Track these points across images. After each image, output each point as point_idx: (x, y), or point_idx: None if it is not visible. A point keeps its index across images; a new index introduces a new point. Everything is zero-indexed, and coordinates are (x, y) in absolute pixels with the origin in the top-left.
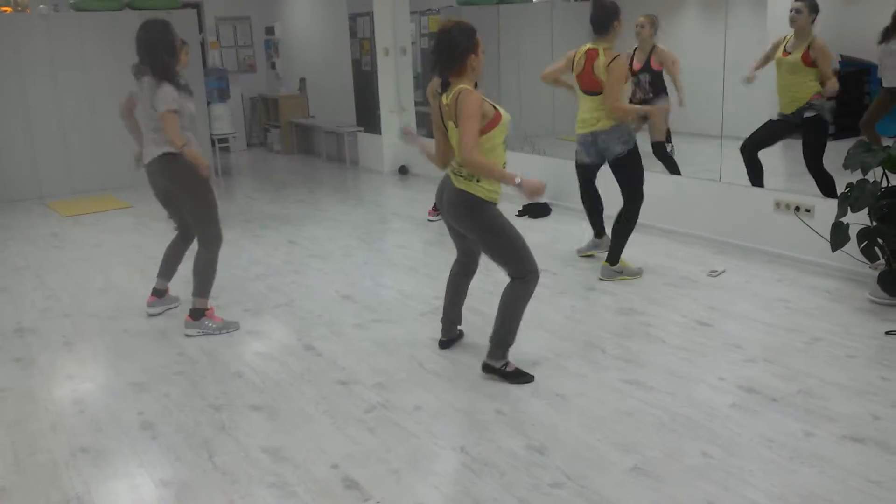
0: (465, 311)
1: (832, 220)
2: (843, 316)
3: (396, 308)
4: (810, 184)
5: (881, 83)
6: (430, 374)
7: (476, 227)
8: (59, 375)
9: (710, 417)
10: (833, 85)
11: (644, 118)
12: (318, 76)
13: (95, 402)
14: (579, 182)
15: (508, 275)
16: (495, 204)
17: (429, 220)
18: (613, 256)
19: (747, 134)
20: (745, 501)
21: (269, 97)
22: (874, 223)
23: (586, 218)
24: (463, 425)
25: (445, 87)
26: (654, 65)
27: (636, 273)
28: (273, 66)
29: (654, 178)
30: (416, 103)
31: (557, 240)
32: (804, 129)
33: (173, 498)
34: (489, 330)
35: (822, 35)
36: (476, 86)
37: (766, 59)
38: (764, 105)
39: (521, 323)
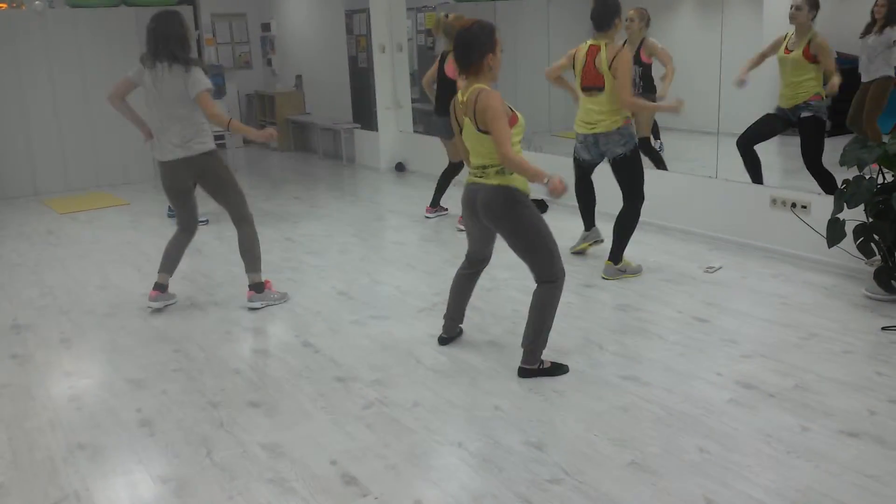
0: None
1: (828, 217)
2: (840, 312)
3: (394, 304)
4: (807, 180)
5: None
6: (429, 371)
7: (515, 223)
8: (56, 372)
9: (708, 413)
10: (837, 81)
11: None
12: (314, 73)
13: (93, 399)
14: (575, 176)
15: (536, 278)
16: (529, 196)
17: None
18: (616, 255)
19: (743, 130)
20: (742, 496)
21: (265, 94)
22: (870, 219)
23: (580, 214)
24: (461, 421)
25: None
26: (644, 58)
27: (637, 271)
28: (269, 62)
29: (651, 175)
30: (413, 100)
31: (554, 237)
32: (801, 128)
33: (171, 494)
34: (486, 326)
35: (818, 32)
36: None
37: (761, 57)
38: (760, 101)
39: (517, 319)
